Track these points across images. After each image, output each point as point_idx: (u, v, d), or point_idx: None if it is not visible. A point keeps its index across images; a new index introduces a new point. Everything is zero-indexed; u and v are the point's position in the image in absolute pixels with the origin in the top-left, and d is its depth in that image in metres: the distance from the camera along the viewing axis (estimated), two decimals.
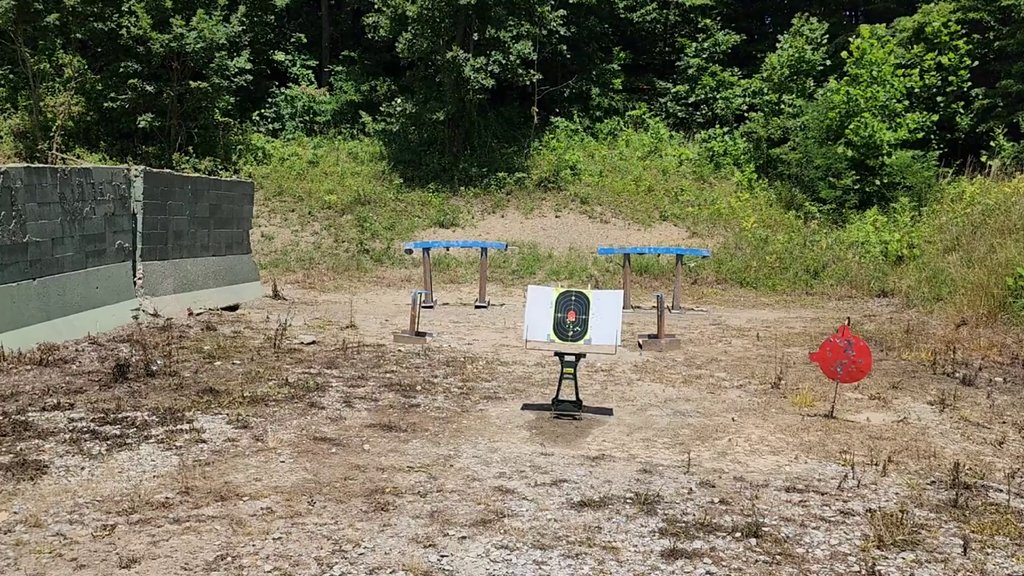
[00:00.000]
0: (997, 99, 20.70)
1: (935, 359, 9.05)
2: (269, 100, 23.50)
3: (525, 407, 7.06)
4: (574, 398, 6.87)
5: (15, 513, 4.39)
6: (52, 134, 19.44)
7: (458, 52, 19.79)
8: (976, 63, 21.03)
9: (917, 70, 20.55)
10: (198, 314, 11.34)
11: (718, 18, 24.26)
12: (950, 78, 20.89)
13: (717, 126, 22.73)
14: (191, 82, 20.03)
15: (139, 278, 11.04)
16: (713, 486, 5.14)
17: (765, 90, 22.13)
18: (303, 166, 21.48)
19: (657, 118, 23.57)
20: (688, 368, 8.93)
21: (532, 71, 21.30)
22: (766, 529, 4.42)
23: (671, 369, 8.86)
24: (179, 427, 5.99)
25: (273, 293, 13.88)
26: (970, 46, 20.82)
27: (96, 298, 9.95)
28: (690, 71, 23.67)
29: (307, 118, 23.48)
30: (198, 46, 19.65)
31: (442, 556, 4.01)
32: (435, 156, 21.65)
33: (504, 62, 20.50)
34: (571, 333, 6.93)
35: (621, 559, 4.03)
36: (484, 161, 21.42)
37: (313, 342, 9.62)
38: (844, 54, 20.19)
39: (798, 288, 16.29)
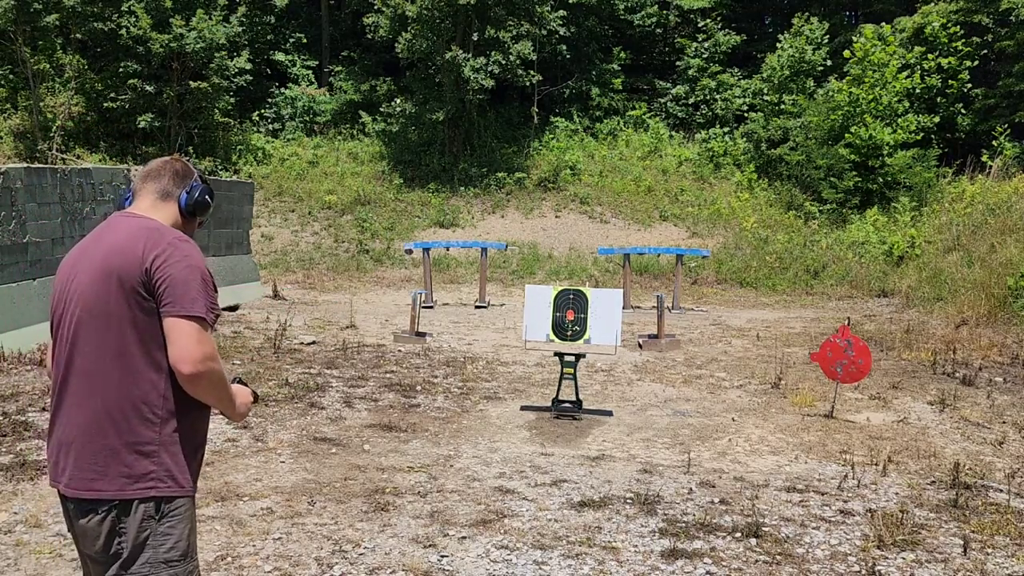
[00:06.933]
0: (997, 99, 20.70)
1: (935, 359, 9.05)
2: (269, 100, 23.49)
3: (525, 407, 7.06)
4: (574, 398, 6.86)
5: (15, 513, 4.39)
6: (52, 134, 19.44)
7: (458, 52, 19.80)
8: (976, 63, 21.04)
9: (918, 73, 20.55)
10: None
11: (718, 19, 24.27)
12: (950, 81, 20.90)
13: (717, 126, 22.73)
14: (191, 82, 20.03)
15: None
16: (713, 486, 5.14)
17: (765, 90, 22.13)
18: (303, 166, 21.48)
19: (657, 118, 23.56)
20: (688, 368, 8.93)
21: (532, 71, 21.29)
22: (766, 529, 4.42)
23: (671, 369, 8.86)
24: None
25: (273, 293, 13.88)
26: (969, 48, 20.82)
27: None
28: (690, 72, 23.67)
29: (307, 118, 23.48)
30: (198, 46, 19.65)
31: (442, 556, 4.01)
32: (435, 156, 21.65)
33: (504, 62, 20.49)
34: (570, 333, 6.92)
35: (621, 559, 4.03)
36: (484, 161, 21.42)
37: (313, 342, 9.62)
38: (847, 54, 20.18)
39: (798, 288, 16.29)
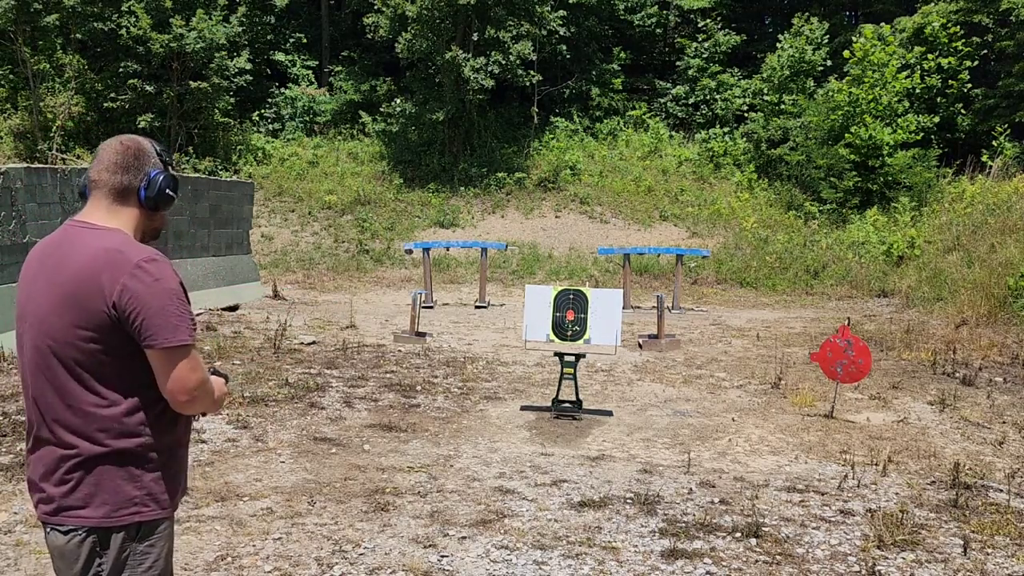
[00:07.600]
0: (997, 99, 20.70)
1: (935, 359, 9.05)
2: (269, 100, 23.49)
3: (525, 407, 7.06)
4: (574, 398, 6.87)
5: (15, 513, 4.39)
6: (52, 134, 19.44)
7: (458, 52, 19.80)
8: (976, 63, 21.04)
9: (918, 73, 20.55)
10: (198, 314, 11.33)
11: (718, 19, 24.27)
12: (950, 81, 20.90)
13: (717, 126, 22.73)
14: (191, 82, 20.03)
15: None
16: (713, 486, 5.14)
17: (765, 90, 22.13)
18: (303, 166, 21.48)
19: (657, 118, 23.56)
20: (688, 368, 8.93)
21: (532, 71, 21.29)
22: (766, 529, 4.42)
23: (671, 369, 8.86)
24: None
25: (273, 293, 13.88)
26: (969, 48, 20.82)
27: None
28: (690, 72, 23.67)
29: (307, 118, 23.48)
30: (198, 46, 19.65)
31: (442, 556, 4.01)
32: (435, 156, 21.65)
33: (504, 62, 20.49)
34: (570, 333, 6.92)
35: (621, 559, 4.03)
36: (484, 161, 21.42)
37: (313, 342, 9.61)
38: (846, 54, 20.18)
39: (798, 288, 16.29)
